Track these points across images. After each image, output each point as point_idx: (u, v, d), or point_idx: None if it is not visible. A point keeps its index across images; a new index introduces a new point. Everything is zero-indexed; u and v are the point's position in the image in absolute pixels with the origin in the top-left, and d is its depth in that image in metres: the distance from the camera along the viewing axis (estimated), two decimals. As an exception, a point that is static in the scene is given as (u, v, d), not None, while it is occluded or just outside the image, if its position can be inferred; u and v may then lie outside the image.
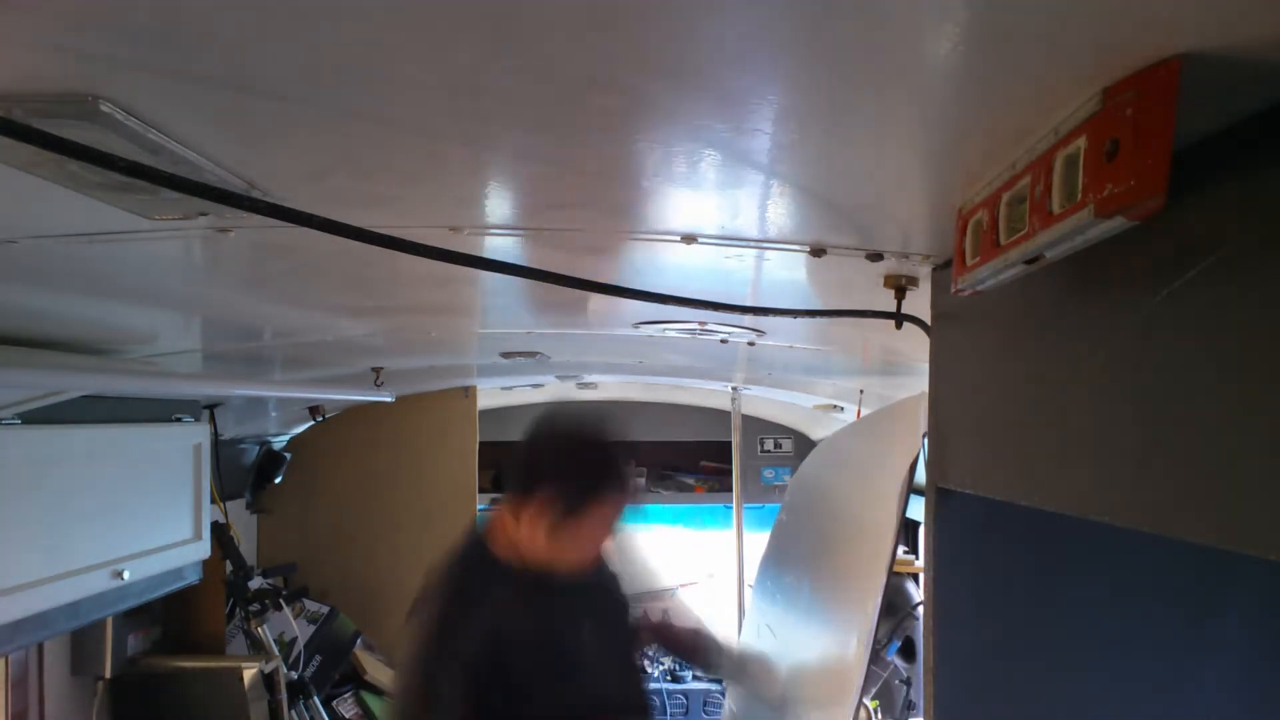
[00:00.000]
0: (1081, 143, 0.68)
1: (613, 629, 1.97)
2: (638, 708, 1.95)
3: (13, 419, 1.92)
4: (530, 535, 1.75)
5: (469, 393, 4.29)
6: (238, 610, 3.38)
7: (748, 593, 3.80)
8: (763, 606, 3.02)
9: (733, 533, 4.22)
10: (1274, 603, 1.09)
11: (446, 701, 1.66)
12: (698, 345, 2.51)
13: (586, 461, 1.76)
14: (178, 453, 2.63)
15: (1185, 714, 1.19)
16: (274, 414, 3.60)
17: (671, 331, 2.16)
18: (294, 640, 3.61)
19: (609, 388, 4.77)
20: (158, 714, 3.03)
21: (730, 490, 4.29)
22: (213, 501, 2.90)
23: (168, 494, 2.57)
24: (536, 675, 1.76)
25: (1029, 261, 0.82)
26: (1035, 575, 1.25)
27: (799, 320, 2.02)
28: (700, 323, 2.05)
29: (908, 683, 3.17)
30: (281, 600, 3.41)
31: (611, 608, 1.99)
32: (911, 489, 1.99)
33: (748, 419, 4.51)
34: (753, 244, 1.28)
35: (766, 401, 4.66)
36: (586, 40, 0.66)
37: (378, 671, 4.06)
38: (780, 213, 1.14)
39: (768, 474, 5.23)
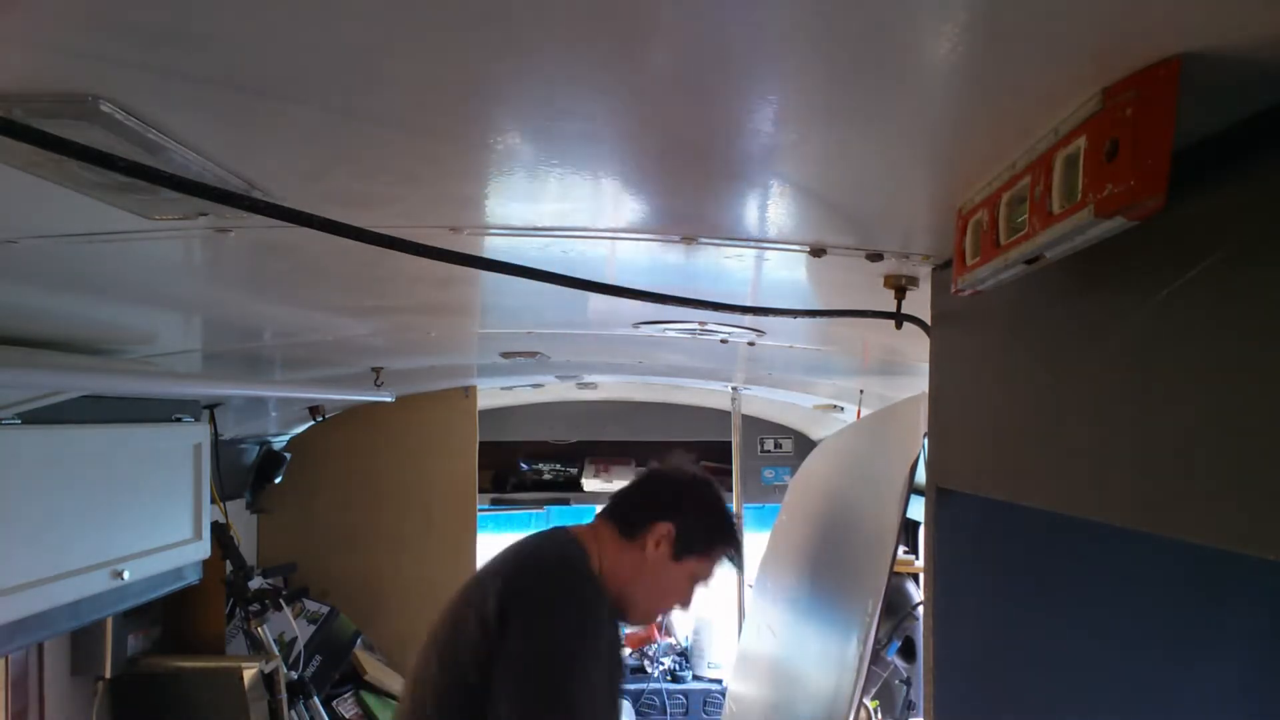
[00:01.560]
0: (1081, 143, 0.68)
1: None
2: None
3: (13, 419, 1.92)
4: (631, 565, 1.79)
5: (469, 393, 4.29)
6: (238, 610, 3.37)
7: (748, 593, 3.80)
8: (764, 607, 3.02)
9: (733, 533, 4.22)
10: (1274, 602, 1.09)
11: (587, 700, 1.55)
12: (698, 345, 2.51)
13: (719, 515, 1.88)
14: (178, 453, 2.63)
15: (1185, 712, 1.19)
16: (274, 414, 3.60)
17: (671, 331, 2.16)
18: (294, 640, 3.61)
19: (609, 388, 4.77)
20: (158, 714, 3.03)
21: (730, 490, 4.29)
22: (213, 501, 2.90)
23: (168, 494, 2.57)
24: (607, 699, 1.73)
25: (1029, 261, 0.82)
26: (1035, 575, 1.25)
27: (799, 320, 2.02)
28: (700, 323, 2.05)
29: (908, 683, 3.17)
30: (281, 600, 3.40)
31: None
32: (912, 489, 1.99)
33: (748, 419, 4.51)
34: (753, 244, 1.28)
35: (766, 401, 4.66)
36: (586, 41, 0.66)
37: (378, 671, 4.06)
38: (780, 213, 1.14)
39: (768, 474, 5.24)
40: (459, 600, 1.71)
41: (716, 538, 1.86)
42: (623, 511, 1.87)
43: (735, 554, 1.91)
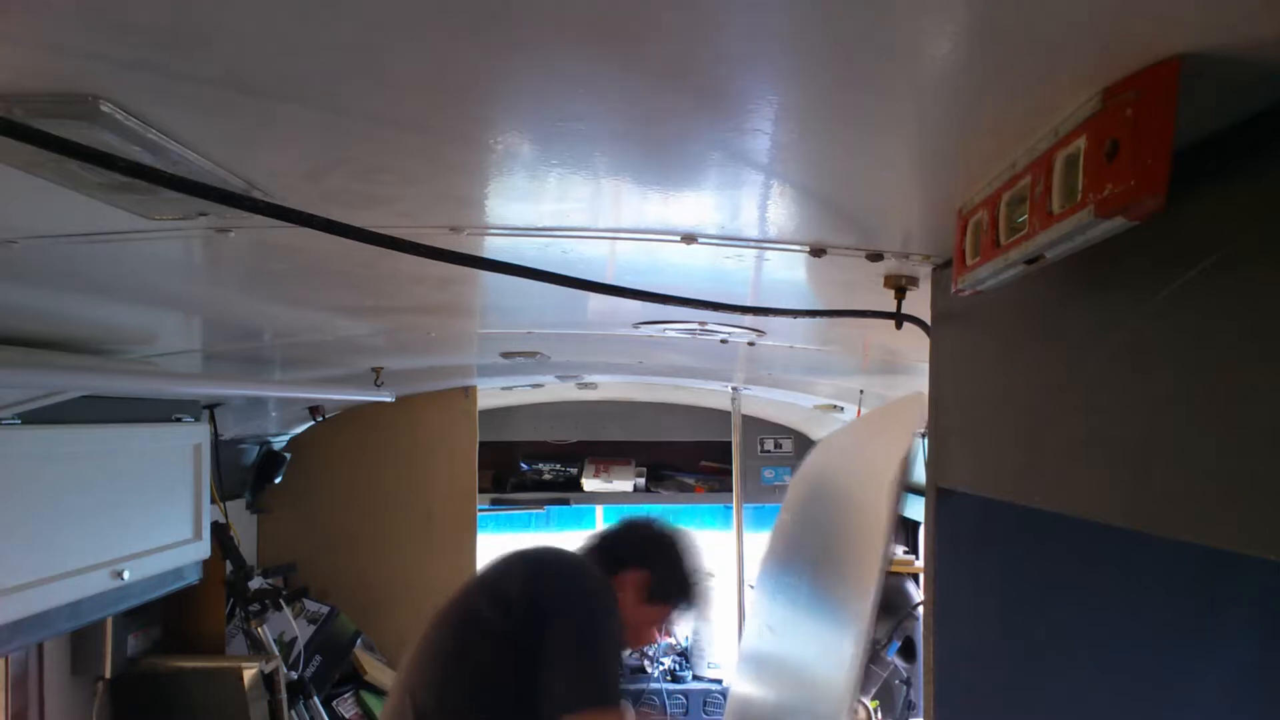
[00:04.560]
0: (1081, 143, 0.68)
1: None
2: None
3: (13, 419, 1.92)
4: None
5: (469, 393, 4.29)
6: (238, 610, 3.37)
7: (748, 593, 3.80)
8: (764, 605, 3.02)
9: (733, 533, 4.22)
10: (1274, 603, 1.09)
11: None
12: (698, 345, 2.51)
13: (691, 573, 2.06)
14: (178, 453, 2.63)
15: (1185, 713, 1.19)
16: (274, 414, 3.60)
17: (671, 331, 2.16)
18: (294, 640, 3.61)
19: (609, 388, 4.77)
20: (158, 714, 3.03)
21: (730, 490, 4.29)
22: (213, 501, 2.90)
23: (168, 494, 2.57)
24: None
25: (1029, 261, 0.82)
26: (1035, 575, 1.25)
27: (799, 320, 2.02)
28: (700, 323, 2.05)
29: (908, 683, 3.18)
30: (281, 600, 3.41)
31: None
32: (910, 488, 1.99)
33: (748, 419, 4.51)
34: (753, 244, 1.28)
35: (766, 401, 4.65)
36: (586, 41, 0.66)
37: (378, 671, 4.06)
38: (780, 213, 1.14)
39: (768, 474, 5.23)
40: (460, 602, 1.89)
41: (683, 593, 2.06)
42: (605, 548, 2.03)
43: (695, 608, 2.12)
